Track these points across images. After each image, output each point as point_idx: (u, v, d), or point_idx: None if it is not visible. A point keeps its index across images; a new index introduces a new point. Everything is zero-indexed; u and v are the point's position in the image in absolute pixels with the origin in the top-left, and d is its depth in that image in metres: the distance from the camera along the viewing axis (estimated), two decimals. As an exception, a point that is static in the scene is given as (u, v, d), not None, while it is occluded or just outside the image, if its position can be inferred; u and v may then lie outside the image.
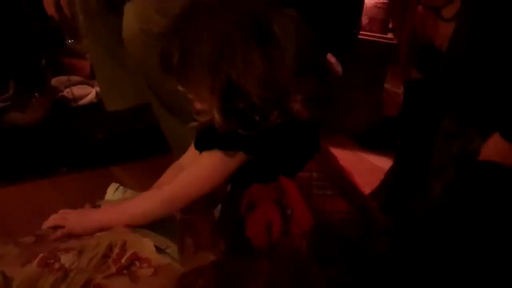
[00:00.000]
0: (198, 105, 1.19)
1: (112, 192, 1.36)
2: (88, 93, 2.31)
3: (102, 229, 1.19)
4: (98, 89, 2.22)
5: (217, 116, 1.13)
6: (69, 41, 2.40)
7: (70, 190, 1.67)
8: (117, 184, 1.35)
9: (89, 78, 2.37)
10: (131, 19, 1.52)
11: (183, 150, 1.37)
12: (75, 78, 2.38)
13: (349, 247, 1.11)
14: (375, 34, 2.36)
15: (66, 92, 2.29)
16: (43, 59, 2.22)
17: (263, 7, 1.16)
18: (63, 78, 2.36)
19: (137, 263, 1.10)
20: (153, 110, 1.72)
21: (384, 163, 2.10)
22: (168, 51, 1.16)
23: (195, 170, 1.20)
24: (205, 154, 1.18)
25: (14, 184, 1.71)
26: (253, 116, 1.12)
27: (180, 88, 1.19)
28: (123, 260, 1.09)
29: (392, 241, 1.13)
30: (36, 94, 2.15)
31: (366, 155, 2.29)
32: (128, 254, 1.11)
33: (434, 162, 1.46)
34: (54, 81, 2.33)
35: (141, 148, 1.96)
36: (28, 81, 2.17)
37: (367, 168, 2.14)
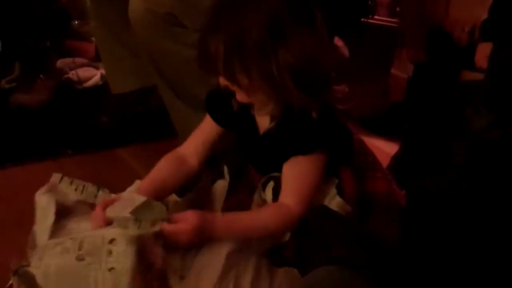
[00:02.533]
0: (243, 98, 1.11)
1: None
2: (93, 76, 2.30)
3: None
4: (103, 71, 2.21)
5: (277, 106, 1.09)
6: (76, 22, 2.40)
7: (74, 172, 1.65)
8: (60, 175, 1.21)
9: (94, 61, 2.36)
10: (137, 0, 1.51)
11: (189, 133, 1.36)
12: (80, 60, 2.38)
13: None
14: (382, 18, 2.35)
15: (71, 74, 2.29)
16: (48, 41, 2.22)
17: None
18: (68, 60, 2.35)
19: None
20: (158, 93, 1.71)
21: (390, 148, 2.10)
22: (209, 47, 1.05)
23: (306, 177, 1.10)
24: (303, 160, 1.09)
25: (19, 166, 1.72)
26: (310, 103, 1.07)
27: (223, 82, 1.09)
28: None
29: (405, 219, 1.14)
30: (41, 76, 2.15)
31: (372, 140, 2.27)
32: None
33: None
34: (59, 63, 2.32)
35: (145, 131, 1.95)
36: (34, 63, 2.17)
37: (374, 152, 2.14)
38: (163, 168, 1.21)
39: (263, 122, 1.15)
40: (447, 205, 1.15)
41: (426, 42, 1.77)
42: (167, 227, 1.01)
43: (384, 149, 2.17)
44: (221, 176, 1.28)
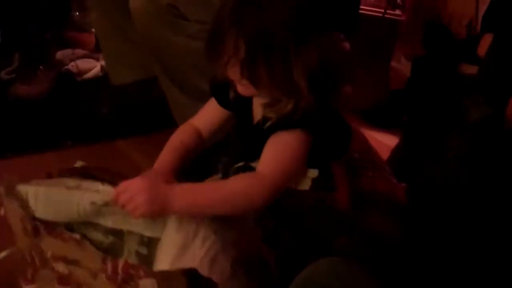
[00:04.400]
0: (248, 92, 1.09)
1: None
2: (93, 67, 2.29)
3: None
4: (103, 63, 2.21)
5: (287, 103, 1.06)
6: (76, 13, 2.38)
7: (74, 163, 1.66)
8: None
9: (94, 52, 2.36)
10: (139, -8, 1.51)
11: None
12: (80, 51, 2.37)
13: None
14: (383, 10, 2.34)
15: (71, 66, 2.28)
16: (49, 32, 2.21)
17: None
18: (68, 51, 2.35)
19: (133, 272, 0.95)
20: (158, 84, 1.71)
21: (390, 140, 2.10)
22: (226, 41, 1.01)
23: (284, 148, 1.06)
24: (285, 133, 1.06)
25: (19, 156, 1.72)
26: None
27: (232, 75, 1.06)
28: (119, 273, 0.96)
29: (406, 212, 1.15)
30: (41, 67, 2.14)
31: (372, 132, 2.28)
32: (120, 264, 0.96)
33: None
34: (59, 54, 2.31)
35: (146, 122, 1.95)
36: (33, 54, 2.16)
37: (373, 145, 2.14)
38: (183, 138, 1.20)
39: (258, 111, 1.14)
40: (449, 196, 1.16)
41: (424, 36, 1.77)
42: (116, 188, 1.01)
43: (384, 141, 2.17)
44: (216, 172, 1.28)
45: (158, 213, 1.00)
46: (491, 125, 1.29)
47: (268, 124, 1.08)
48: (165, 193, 0.99)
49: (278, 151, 1.06)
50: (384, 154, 1.77)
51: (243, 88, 1.08)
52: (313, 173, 1.12)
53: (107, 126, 1.92)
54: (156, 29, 1.49)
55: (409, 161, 1.74)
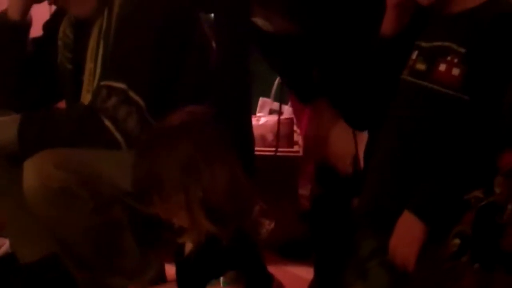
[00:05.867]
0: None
1: None
2: (2, 244, 2.26)
3: None
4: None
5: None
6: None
7: None
8: None
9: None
10: (30, 177, 1.54)
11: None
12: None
13: None
14: (282, 149, 2.46)
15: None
16: None
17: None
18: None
19: None
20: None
21: (307, 273, 2.13)
22: (141, 180, 1.23)
23: None
24: None
25: None
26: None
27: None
28: None
29: None
30: None
31: (288, 266, 2.32)
32: None
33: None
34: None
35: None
36: None
37: (290, 280, 2.16)
38: None
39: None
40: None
41: (316, 176, 1.87)
42: None
43: (302, 275, 2.20)
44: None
45: None
46: (378, 258, 1.34)
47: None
48: None
49: None
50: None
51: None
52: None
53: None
54: (52, 212, 1.52)
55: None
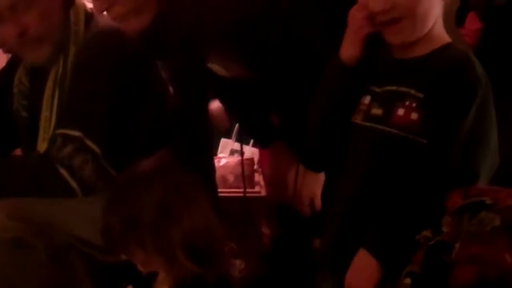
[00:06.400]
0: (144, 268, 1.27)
1: None
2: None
3: None
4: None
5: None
6: None
7: None
8: None
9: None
10: (-18, 228, 1.51)
11: None
12: None
13: None
14: (241, 190, 2.46)
15: None
16: None
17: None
18: None
19: None
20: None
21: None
22: (114, 226, 1.22)
23: None
24: None
25: None
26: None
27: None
28: None
29: None
30: None
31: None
32: None
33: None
34: None
35: None
36: None
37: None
38: None
39: None
40: None
41: (277, 217, 1.89)
42: None
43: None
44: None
45: None
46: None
47: None
48: None
49: None
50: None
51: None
52: None
53: None
54: (3, 266, 1.49)
55: None
